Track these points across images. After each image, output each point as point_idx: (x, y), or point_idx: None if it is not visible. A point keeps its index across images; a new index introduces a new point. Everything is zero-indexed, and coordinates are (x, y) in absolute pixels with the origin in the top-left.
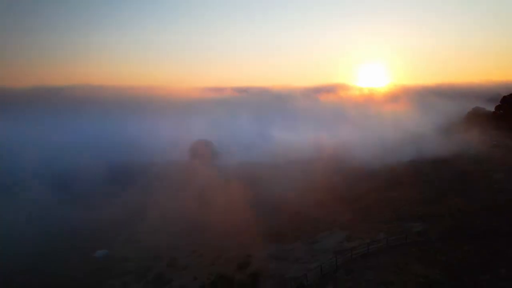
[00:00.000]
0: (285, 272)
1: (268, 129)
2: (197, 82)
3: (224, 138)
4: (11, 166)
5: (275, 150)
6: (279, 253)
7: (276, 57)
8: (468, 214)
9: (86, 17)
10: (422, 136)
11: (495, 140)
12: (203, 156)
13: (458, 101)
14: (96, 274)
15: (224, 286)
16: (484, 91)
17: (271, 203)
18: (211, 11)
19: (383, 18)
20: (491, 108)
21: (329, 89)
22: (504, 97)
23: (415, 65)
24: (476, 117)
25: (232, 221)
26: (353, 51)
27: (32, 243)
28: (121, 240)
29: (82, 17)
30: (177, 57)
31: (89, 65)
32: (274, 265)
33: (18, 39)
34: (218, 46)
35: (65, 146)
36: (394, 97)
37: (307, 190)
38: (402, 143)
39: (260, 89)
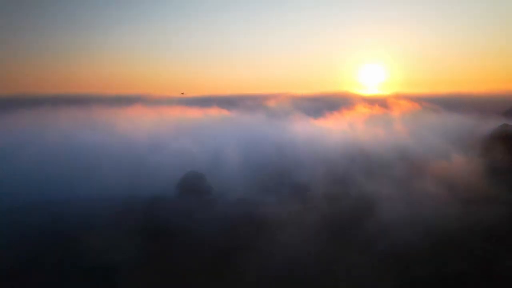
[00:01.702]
0: None
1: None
2: (185, 87)
3: (213, 170)
4: None
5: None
6: None
7: (273, 58)
8: None
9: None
10: (461, 180)
11: None
12: (195, 192)
13: (473, 115)
14: None
15: None
16: (500, 101)
17: None
18: (201, 8)
19: (386, 18)
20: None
21: (332, 101)
22: None
23: (419, 69)
24: (505, 139)
25: None
26: (353, 53)
27: None
28: None
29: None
30: (163, 59)
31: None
32: None
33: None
34: (211, 47)
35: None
36: (406, 115)
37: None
38: (438, 197)
39: (254, 100)
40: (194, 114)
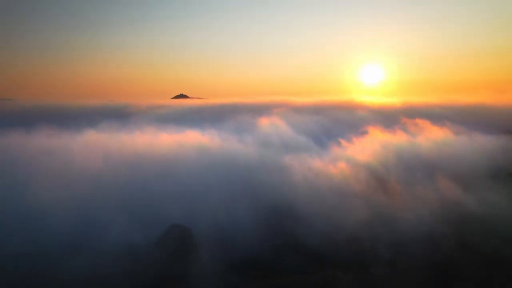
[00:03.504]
0: None
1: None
2: (182, 89)
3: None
4: None
5: None
6: None
7: (273, 59)
8: None
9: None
10: None
11: None
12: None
13: (496, 131)
14: None
15: None
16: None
17: None
18: (198, 8)
19: (387, 18)
20: None
21: (339, 116)
22: None
23: (422, 70)
24: None
25: None
26: (354, 53)
27: None
28: None
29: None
30: (157, 60)
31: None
32: None
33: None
34: (208, 48)
35: None
36: (437, 145)
37: None
38: None
39: (246, 112)
40: (166, 140)
